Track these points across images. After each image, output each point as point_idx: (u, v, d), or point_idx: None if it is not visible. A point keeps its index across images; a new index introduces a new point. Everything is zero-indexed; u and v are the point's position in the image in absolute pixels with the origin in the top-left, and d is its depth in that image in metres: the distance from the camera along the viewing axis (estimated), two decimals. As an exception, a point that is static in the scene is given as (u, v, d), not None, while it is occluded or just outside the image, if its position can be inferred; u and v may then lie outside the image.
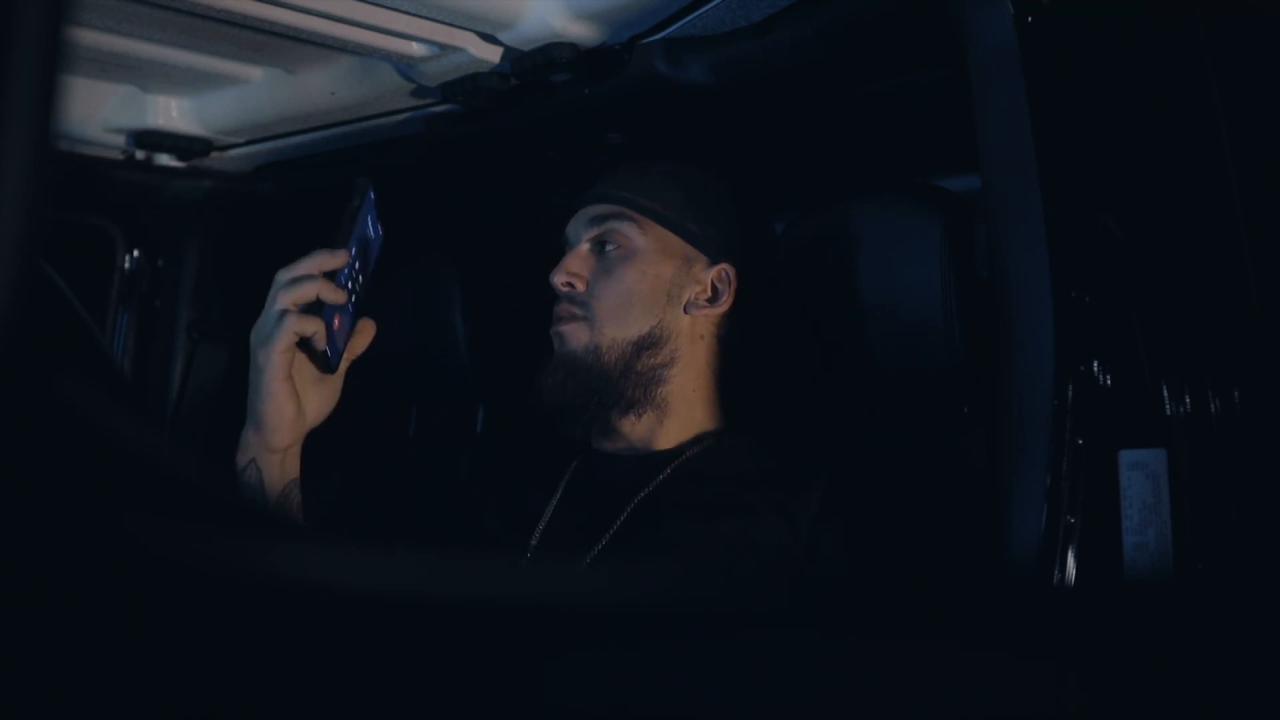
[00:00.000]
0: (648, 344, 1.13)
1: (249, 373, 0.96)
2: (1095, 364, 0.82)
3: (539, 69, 1.16)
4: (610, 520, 1.09)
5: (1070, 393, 0.81)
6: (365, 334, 1.01)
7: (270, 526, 0.39)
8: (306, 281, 0.93)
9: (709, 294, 1.16)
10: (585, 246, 1.18)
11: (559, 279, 1.16)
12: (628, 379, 1.12)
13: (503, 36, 1.13)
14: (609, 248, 1.16)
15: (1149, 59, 0.86)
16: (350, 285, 0.97)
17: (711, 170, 1.22)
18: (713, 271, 1.16)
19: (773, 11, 1.06)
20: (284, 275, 0.94)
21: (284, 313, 0.93)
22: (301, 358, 0.96)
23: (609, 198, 1.18)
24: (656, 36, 1.12)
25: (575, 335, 1.15)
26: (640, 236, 1.15)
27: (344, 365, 1.00)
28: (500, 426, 1.59)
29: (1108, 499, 0.80)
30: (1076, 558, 0.80)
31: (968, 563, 0.95)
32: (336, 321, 0.97)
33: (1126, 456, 0.80)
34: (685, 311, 1.15)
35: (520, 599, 0.35)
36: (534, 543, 1.11)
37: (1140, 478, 0.80)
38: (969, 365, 1.10)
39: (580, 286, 1.16)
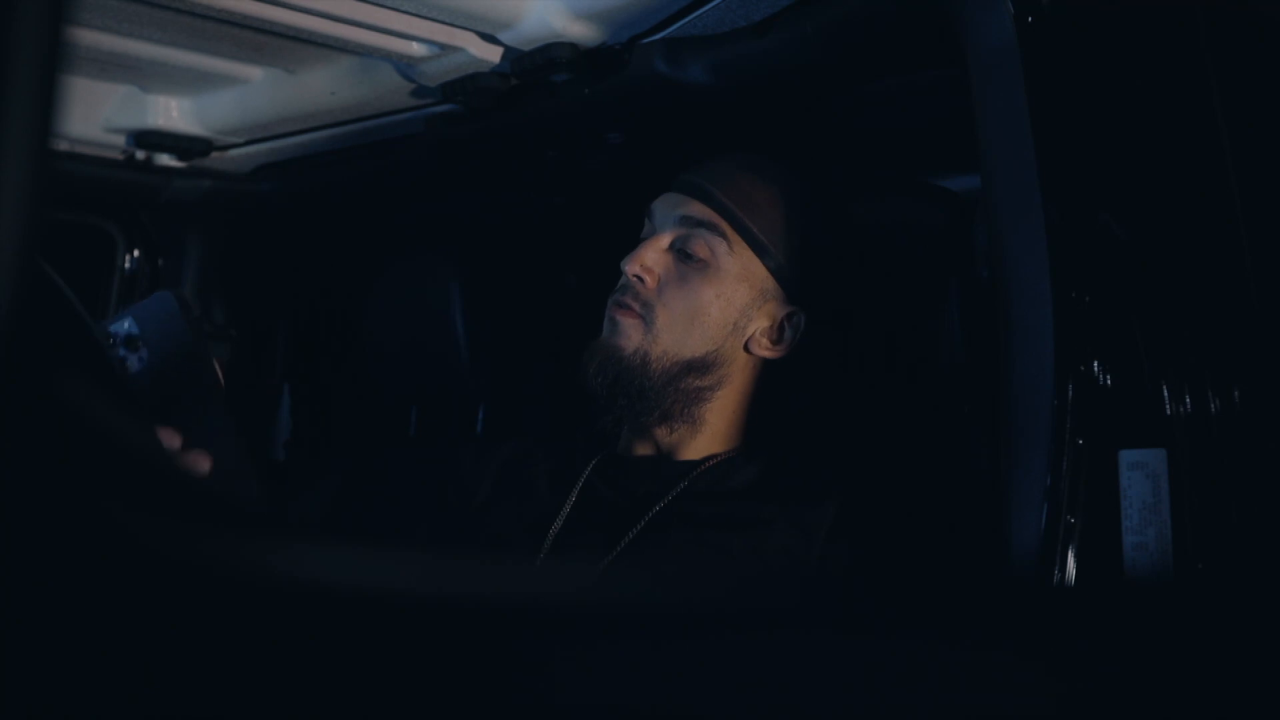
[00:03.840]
0: (699, 366, 1.09)
1: None
2: (1095, 364, 0.82)
3: (539, 69, 1.16)
4: (625, 529, 1.07)
5: (1070, 393, 0.81)
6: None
7: (270, 527, 0.39)
8: None
9: (775, 334, 1.11)
10: (666, 241, 1.11)
11: (631, 269, 1.10)
12: (668, 394, 1.08)
13: (503, 36, 1.13)
14: (691, 255, 1.09)
15: (1149, 59, 0.86)
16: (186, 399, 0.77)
17: (823, 195, 1.15)
18: (785, 312, 1.11)
19: (773, 11, 1.06)
20: None
21: None
22: None
23: (711, 199, 1.10)
24: (656, 36, 1.12)
25: (629, 333, 1.09)
26: (727, 256, 1.09)
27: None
28: (502, 425, 1.59)
29: (1108, 499, 0.80)
30: (1076, 558, 0.80)
31: (969, 564, 0.95)
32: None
33: (1126, 456, 0.80)
34: (746, 348, 1.10)
35: (528, 602, 0.35)
36: (546, 545, 1.09)
37: (1140, 478, 0.80)
38: (969, 365, 1.10)
39: (650, 284, 1.10)
